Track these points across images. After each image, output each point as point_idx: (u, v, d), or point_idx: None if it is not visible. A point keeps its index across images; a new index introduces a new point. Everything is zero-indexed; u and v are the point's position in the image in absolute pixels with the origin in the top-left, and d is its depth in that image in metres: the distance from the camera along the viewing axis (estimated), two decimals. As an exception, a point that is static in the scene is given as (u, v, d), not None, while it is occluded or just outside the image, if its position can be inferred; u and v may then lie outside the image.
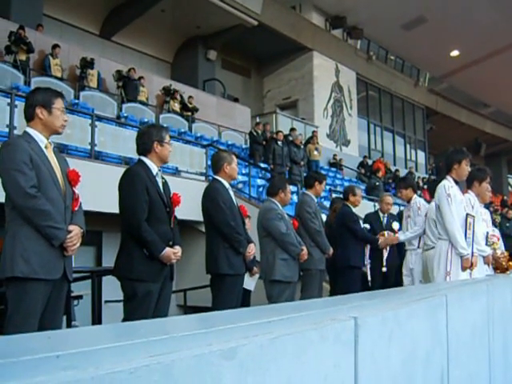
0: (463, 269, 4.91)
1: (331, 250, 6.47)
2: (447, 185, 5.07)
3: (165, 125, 13.56)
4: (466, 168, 5.21)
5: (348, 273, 6.79)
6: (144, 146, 4.17)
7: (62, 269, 3.37)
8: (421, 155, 28.77)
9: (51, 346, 0.96)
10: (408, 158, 27.68)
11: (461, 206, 5.04)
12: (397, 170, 22.08)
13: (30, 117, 3.48)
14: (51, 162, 3.43)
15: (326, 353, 1.35)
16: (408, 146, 27.98)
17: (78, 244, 3.45)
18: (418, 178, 23.16)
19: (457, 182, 5.17)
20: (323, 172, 17.77)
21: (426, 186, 21.10)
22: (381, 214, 7.69)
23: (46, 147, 3.44)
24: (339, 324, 1.40)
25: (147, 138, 4.16)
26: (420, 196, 8.49)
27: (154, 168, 4.12)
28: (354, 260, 6.77)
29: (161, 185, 4.14)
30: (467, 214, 5.02)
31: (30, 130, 3.45)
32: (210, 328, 1.17)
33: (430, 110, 28.87)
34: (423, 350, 2.02)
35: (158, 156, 4.14)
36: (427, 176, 25.43)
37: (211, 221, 4.82)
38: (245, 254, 4.93)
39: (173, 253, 3.99)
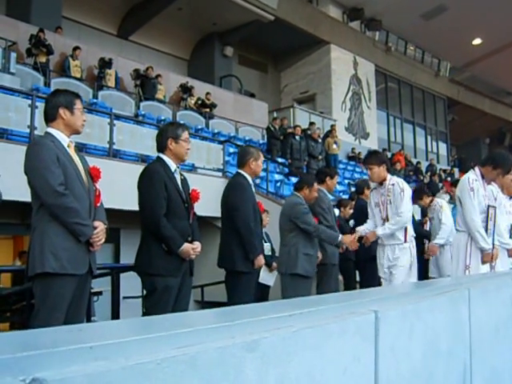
0: (483, 262, 4.86)
1: (340, 237, 6.19)
2: (472, 178, 5.00)
3: (182, 122, 13.64)
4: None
5: (370, 265, 6.76)
6: (160, 144, 4.21)
7: (87, 264, 3.45)
8: (442, 147, 28.48)
9: (83, 338, 0.99)
10: (429, 149, 27.42)
11: (482, 198, 4.98)
12: (418, 163, 21.91)
13: (52, 117, 3.55)
14: (75, 160, 3.52)
15: (346, 346, 1.36)
16: (429, 137, 27.74)
17: (103, 239, 3.53)
18: (440, 169, 22.97)
19: (483, 177, 5.08)
20: (342, 165, 17.75)
21: (448, 178, 20.91)
22: None
23: (68, 146, 3.52)
24: (359, 317, 1.41)
25: (162, 136, 4.21)
26: (442, 188, 8.33)
27: (172, 165, 4.15)
28: (370, 252, 6.74)
29: (179, 181, 4.17)
30: (489, 206, 4.95)
31: (52, 130, 3.52)
32: (232, 321, 1.18)
33: (451, 101, 28.55)
34: (445, 344, 2.01)
35: (173, 153, 4.17)
36: (449, 168, 25.20)
37: (232, 216, 4.80)
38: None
39: (192, 248, 4.03)
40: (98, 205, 3.62)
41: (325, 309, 1.41)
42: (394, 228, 5.22)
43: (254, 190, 5.06)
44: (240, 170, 5.06)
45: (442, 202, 7.05)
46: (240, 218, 4.75)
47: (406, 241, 5.28)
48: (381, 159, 5.43)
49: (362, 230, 5.59)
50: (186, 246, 3.99)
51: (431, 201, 7.15)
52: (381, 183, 5.40)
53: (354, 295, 2.06)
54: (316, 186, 6.07)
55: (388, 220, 5.33)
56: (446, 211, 6.82)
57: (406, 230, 5.27)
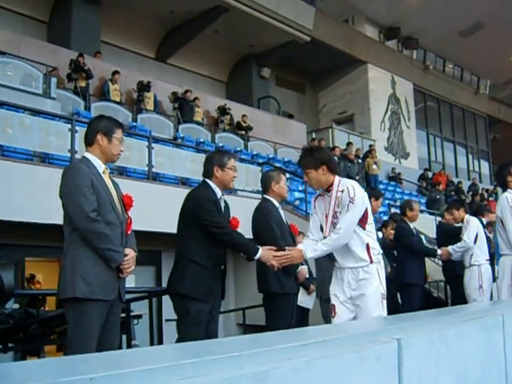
0: None
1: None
2: (510, 197, 4.89)
3: (220, 144, 13.73)
4: None
5: (405, 290, 6.65)
6: (206, 170, 4.25)
7: (117, 290, 3.46)
8: (484, 165, 27.95)
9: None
10: (471, 168, 26.94)
11: None
12: (459, 182, 21.54)
13: (90, 142, 3.59)
14: (109, 187, 3.54)
15: (366, 376, 1.32)
16: (470, 156, 27.27)
17: (133, 267, 3.54)
18: (482, 189, 22.53)
19: None
20: (382, 186, 17.56)
21: (491, 198, 20.49)
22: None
23: (103, 172, 3.54)
24: (380, 346, 1.37)
25: (209, 163, 4.25)
26: (486, 208, 8.19)
27: (217, 192, 4.18)
28: (410, 276, 6.62)
29: (223, 208, 4.21)
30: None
31: (89, 155, 3.56)
32: (242, 351, 1.16)
33: (492, 119, 28.07)
34: (477, 373, 1.94)
35: (219, 180, 4.19)
36: (492, 187, 24.68)
37: (260, 240, 4.79)
38: (296, 274, 4.92)
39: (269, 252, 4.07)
40: (129, 232, 3.64)
41: (342, 337, 1.38)
42: (327, 249, 3.91)
43: (281, 212, 5.03)
44: (265, 195, 5.07)
45: (469, 218, 6.89)
46: (266, 239, 4.64)
47: (372, 261, 3.94)
48: (319, 160, 3.97)
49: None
50: (265, 251, 4.06)
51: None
52: (328, 189, 4.02)
53: (375, 323, 2.01)
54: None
55: None
56: (470, 229, 6.68)
57: (368, 247, 3.94)
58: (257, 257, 4.00)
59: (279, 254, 4.00)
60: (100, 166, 3.54)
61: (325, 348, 1.24)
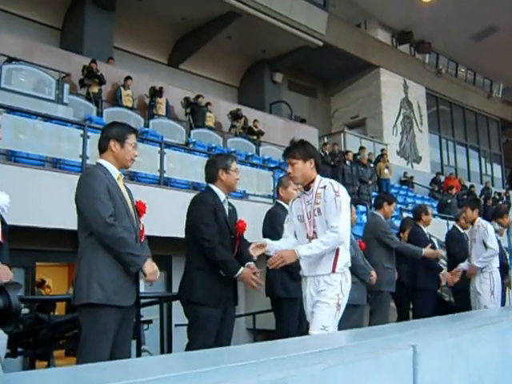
0: None
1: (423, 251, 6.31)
2: None
3: (232, 149, 13.73)
4: None
5: (418, 295, 6.61)
6: (210, 174, 4.26)
7: (134, 296, 3.46)
8: (497, 169, 27.78)
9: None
10: (483, 172, 26.80)
11: None
12: (472, 186, 21.43)
13: (103, 148, 3.61)
14: (123, 194, 3.56)
15: (382, 383, 1.30)
16: (483, 160, 27.12)
17: (158, 273, 3.52)
18: (495, 192, 22.40)
19: None
20: (394, 190, 17.49)
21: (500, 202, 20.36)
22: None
23: (118, 179, 3.55)
24: (396, 353, 1.35)
25: (213, 167, 4.25)
26: (503, 210, 7.95)
27: (221, 195, 4.19)
28: (422, 281, 6.57)
29: (227, 212, 4.21)
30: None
31: (103, 162, 3.57)
32: (260, 358, 1.14)
33: (505, 122, 27.90)
34: (492, 379, 1.91)
35: (225, 183, 4.21)
36: (504, 190, 24.53)
37: None
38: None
39: (251, 271, 4.01)
40: (143, 239, 3.65)
41: (358, 344, 1.36)
42: (325, 248, 3.63)
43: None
44: (277, 200, 5.14)
45: (486, 224, 6.59)
46: None
47: (334, 271, 3.68)
48: (309, 152, 3.87)
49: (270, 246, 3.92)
50: (245, 270, 3.99)
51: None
52: (307, 187, 3.86)
53: (390, 329, 1.99)
54: (353, 209, 6.03)
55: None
56: (491, 235, 6.49)
57: (337, 254, 3.69)
58: (236, 276, 3.96)
59: (254, 271, 3.95)
60: (115, 172, 3.55)
61: (341, 355, 1.22)
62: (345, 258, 3.74)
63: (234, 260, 4.00)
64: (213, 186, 4.21)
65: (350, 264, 3.79)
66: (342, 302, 3.69)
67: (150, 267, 3.40)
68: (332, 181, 3.79)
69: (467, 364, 1.75)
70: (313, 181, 3.81)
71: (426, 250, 6.26)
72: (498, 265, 6.53)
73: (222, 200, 4.17)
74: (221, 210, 4.12)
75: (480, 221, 6.65)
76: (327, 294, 3.65)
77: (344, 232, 3.61)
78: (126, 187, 3.67)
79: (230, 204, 4.29)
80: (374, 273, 5.77)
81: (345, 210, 3.64)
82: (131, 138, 3.62)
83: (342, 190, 3.70)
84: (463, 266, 6.53)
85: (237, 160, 4.41)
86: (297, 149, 3.86)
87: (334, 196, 3.63)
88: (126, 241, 3.33)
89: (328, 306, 3.64)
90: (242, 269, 3.96)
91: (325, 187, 3.72)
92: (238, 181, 4.31)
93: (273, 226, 4.84)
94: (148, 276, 3.42)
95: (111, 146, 3.56)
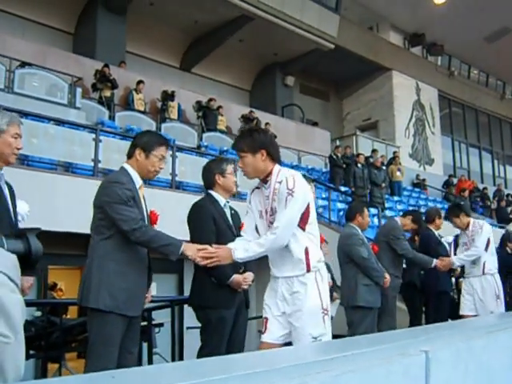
0: None
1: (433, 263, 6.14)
2: None
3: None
4: None
5: (434, 299, 6.57)
6: (207, 181, 4.26)
7: (142, 307, 3.49)
8: (510, 171, 27.60)
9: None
10: (496, 174, 26.66)
11: None
12: (485, 188, 21.32)
13: (129, 155, 3.60)
14: (142, 203, 3.56)
15: (394, 390, 1.28)
16: (496, 161, 26.99)
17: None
18: (508, 194, 22.26)
19: None
20: (406, 193, 17.43)
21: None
22: None
23: (139, 188, 3.55)
24: (408, 359, 1.33)
25: (209, 172, 4.24)
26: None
27: (221, 200, 4.17)
28: (440, 284, 6.53)
29: (229, 215, 4.19)
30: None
31: (128, 168, 3.55)
32: (271, 366, 1.14)
33: (518, 124, 27.77)
34: (506, 384, 1.90)
35: (223, 188, 4.20)
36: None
37: None
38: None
39: (243, 278, 4.00)
40: None
41: (370, 351, 1.35)
42: (261, 251, 3.25)
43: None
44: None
45: (483, 223, 6.35)
46: None
47: (309, 270, 3.26)
48: (258, 142, 3.34)
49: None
50: (236, 277, 3.97)
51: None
52: (264, 180, 3.38)
53: (402, 335, 1.97)
54: (366, 211, 6.00)
55: None
56: (484, 235, 6.26)
57: (307, 254, 3.27)
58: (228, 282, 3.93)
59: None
60: (137, 181, 3.53)
61: (352, 362, 1.21)
62: (316, 254, 3.31)
63: (225, 267, 3.87)
64: (212, 192, 4.21)
65: (323, 259, 3.39)
66: (325, 305, 3.27)
67: (190, 250, 3.36)
68: (290, 174, 3.27)
69: (480, 370, 1.73)
70: (270, 173, 3.34)
71: (440, 263, 6.07)
72: (497, 266, 6.31)
73: (222, 205, 4.16)
74: (222, 215, 4.11)
75: (474, 221, 6.35)
76: (305, 301, 3.23)
77: (283, 234, 3.19)
78: (143, 198, 3.65)
79: (231, 208, 4.27)
80: (387, 275, 5.74)
81: (294, 209, 3.21)
82: (159, 151, 3.57)
83: (299, 186, 3.22)
84: (455, 259, 6.34)
85: (232, 164, 4.38)
86: (244, 140, 3.41)
87: (286, 195, 3.19)
88: (156, 237, 3.36)
89: (311, 316, 3.22)
90: (234, 275, 3.95)
91: (281, 182, 3.25)
92: (235, 183, 4.32)
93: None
94: (194, 256, 3.35)
95: (136, 154, 3.53)
